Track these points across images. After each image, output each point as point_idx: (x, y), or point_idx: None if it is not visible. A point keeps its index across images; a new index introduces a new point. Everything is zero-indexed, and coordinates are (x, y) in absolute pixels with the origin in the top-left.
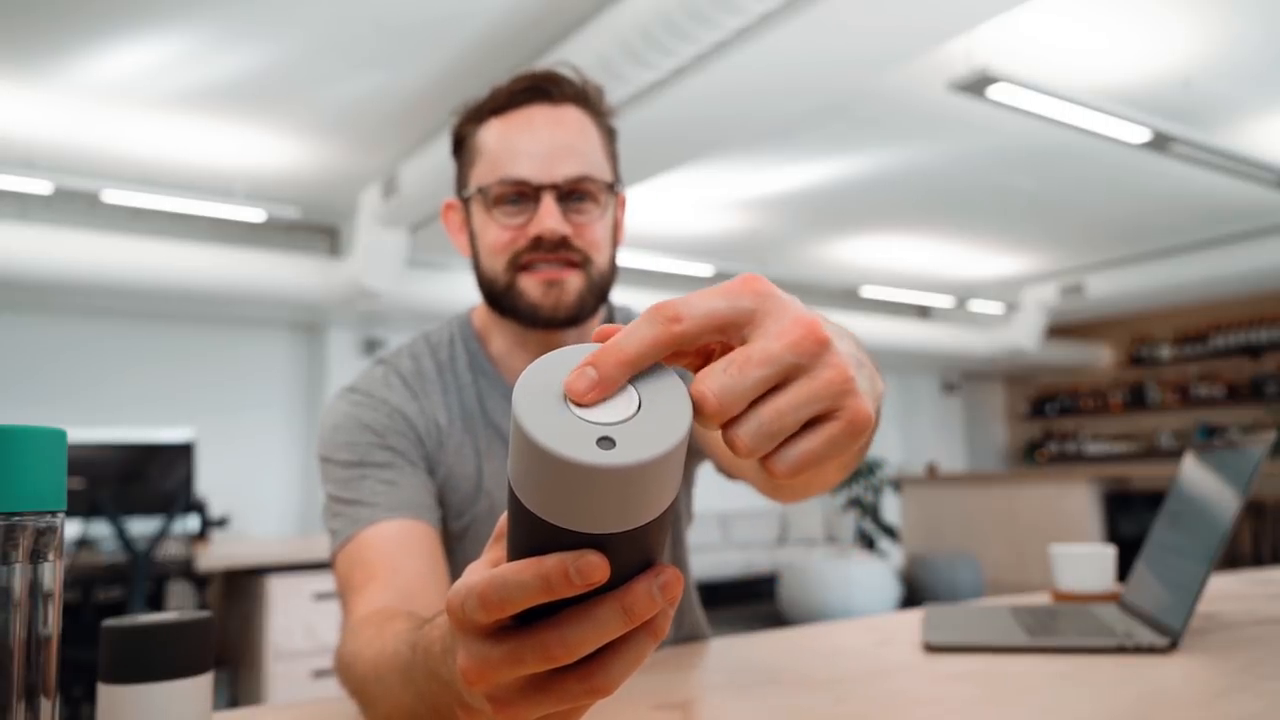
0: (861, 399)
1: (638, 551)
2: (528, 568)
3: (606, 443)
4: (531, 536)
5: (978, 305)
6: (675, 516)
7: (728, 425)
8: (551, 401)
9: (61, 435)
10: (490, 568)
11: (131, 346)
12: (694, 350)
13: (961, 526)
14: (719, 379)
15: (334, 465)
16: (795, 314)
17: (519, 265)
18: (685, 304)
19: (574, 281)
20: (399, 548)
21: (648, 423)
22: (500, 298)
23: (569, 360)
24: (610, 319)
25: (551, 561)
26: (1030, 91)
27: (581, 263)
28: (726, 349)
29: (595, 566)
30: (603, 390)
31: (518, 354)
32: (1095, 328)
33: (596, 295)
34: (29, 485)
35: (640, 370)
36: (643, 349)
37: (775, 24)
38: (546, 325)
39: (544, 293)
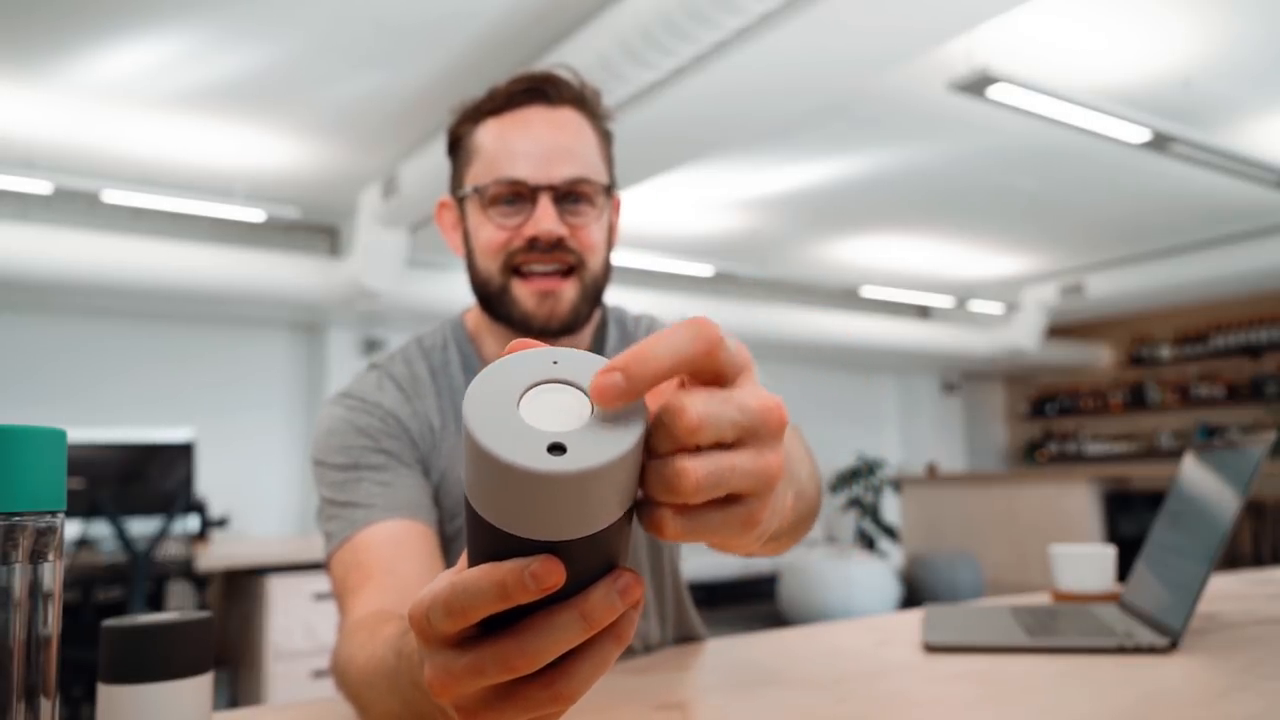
0: (770, 503)
1: (596, 557)
2: (485, 574)
3: (557, 449)
4: (488, 545)
5: (978, 305)
6: None
7: (683, 454)
8: (502, 408)
9: (61, 435)
10: (456, 575)
11: (131, 346)
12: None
13: (961, 526)
14: (704, 398)
15: (328, 469)
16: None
17: (513, 267)
18: (723, 331)
19: (569, 292)
20: (395, 549)
21: (600, 429)
22: (493, 300)
23: (521, 366)
24: (604, 319)
25: (507, 567)
26: (1030, 91)
27: (576, 265)
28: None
29: (550, 571)
30: (629, 398)
31: None
32: (1095, 328)
33: (591, 301)
34: (29, 485)
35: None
36: (678, 360)
37: (775, 24)
38: (540, 335)
39: (538, 303)
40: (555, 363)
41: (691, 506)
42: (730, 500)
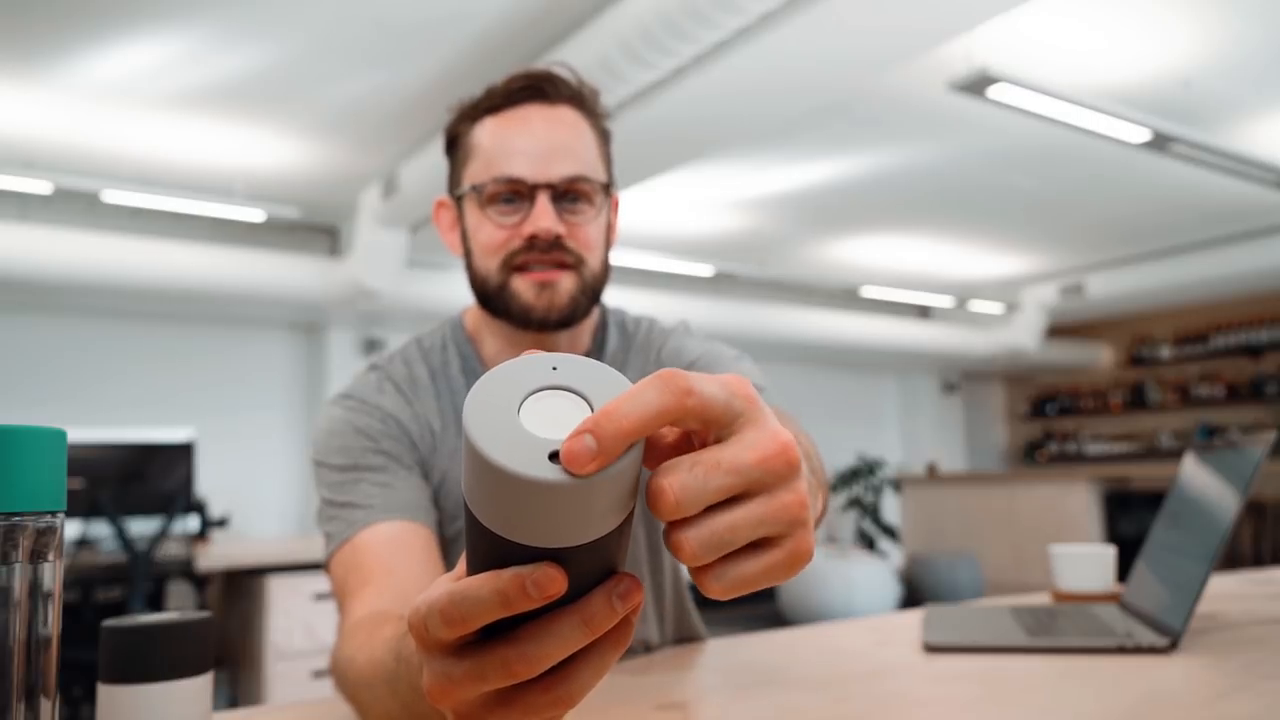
0: (809, 532)
1: (596, 563)
2: (485, 582)
3: (558, 457)
4: (489, 552)
5: (978, 305)
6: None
7: (677, 526)
8: (503, 415)
9: (61, 435)
10: (454, 582)
11: (131, 346)
12: (666, 444)
13: (961, 526)
14: (682, 476)
15: (328, 469)
16: (773, 429)
17: (512, 266)
18: (696, 380)
19: (567, 283)
20: (395, 550)
21: None
22: (493, 298)
23: (522, 372)
24: (604, 321)
25: (508, 575)
26: (1030, 91)
27: (574, 264)
28: (682, 443)
29: (552, 579)
30: (604, 461)
31: (510, 355)
32: (1095, 328)
33: (589, 297)
34: (29, 485)
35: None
36: (647, 417)
37: (775, 24)
38: (539, 327)
39: (536, 294)
40: (555, 369)
41: (715, 563)
42: (761, 545)
